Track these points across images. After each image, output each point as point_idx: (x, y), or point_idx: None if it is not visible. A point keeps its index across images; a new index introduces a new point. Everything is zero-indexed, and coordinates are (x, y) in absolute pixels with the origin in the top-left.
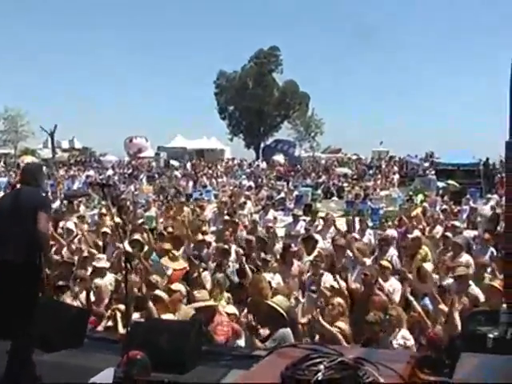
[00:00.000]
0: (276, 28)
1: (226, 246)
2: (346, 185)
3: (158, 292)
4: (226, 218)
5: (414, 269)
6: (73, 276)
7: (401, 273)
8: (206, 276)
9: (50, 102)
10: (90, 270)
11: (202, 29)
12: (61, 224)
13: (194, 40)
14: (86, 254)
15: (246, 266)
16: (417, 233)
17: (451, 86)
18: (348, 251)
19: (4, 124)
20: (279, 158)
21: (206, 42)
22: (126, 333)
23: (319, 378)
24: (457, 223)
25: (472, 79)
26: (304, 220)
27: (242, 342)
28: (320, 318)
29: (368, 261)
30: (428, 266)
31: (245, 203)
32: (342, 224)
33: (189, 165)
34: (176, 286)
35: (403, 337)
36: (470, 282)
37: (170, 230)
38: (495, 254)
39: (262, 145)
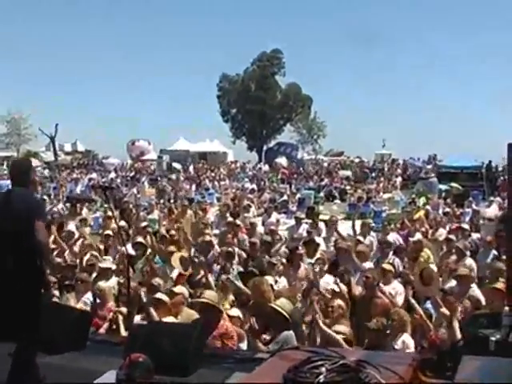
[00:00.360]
0: (278, 31)
1: (231, 249)
2: (348, 188)
3: (159, 295)
4: (229, 220)
5: (416, 272)
6: (75, 278)
7: (403, 276)
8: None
9: (52, 105)
10: (94, 273)
11: (205, 32)
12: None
13: (197, 43)
14: (88, 257)
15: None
16: (418, 236)
17: (453, 89)
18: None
19: (7, 127)
20: (282, 160)
21: (208, 45)
22: (128, 335)
23: (321, 381)
24: (465, 226)
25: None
26: (306, 223)
27: (244, 346)
28: (320, 322)
29: (369, 264)
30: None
31: (250, 206)
32: (345, 227)
33: (191, 168)
34: (178, 288)
35: (403, 342)
36: (472, 285)
37: (172, 232)
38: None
39: (265, 147)
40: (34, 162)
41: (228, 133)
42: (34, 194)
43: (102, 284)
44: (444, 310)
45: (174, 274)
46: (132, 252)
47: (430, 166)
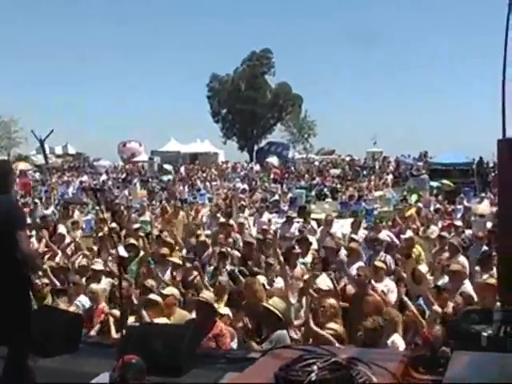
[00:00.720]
0: (268, 30)
1: (224, 250)
2: (339, 186)
3: (152, 296)
4: (222, 220)
5: (407, 269)
6: (67, 281)
7: (396, 273)
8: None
9: (43, 108)
10: (85, 275)
11: (195, 32)
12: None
13: (187, 43)
14: (80, 259)
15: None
16: (410, 233)
17: (445, 86)
18: (342, 252)
19: None
20: (273, 160)
21: (198, 45)
22: (121, 337)
23: (312, 379)
24: (458, 223)
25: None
26: (298, 222)
27: (234, 344)
28: (311, 322)
29: (360, 263)
30: (422, 268)
31: (244, 207)
32: (337, 226)
33: (182, 169)
34: (168, 290)
35: (393, 342)
36: (465, 281)
37: (165, 234)
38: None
39: (256, 147)
40: (25, 166)
41: (219, 133)
42: (14, 201)
43: (94, 286)
44: (436, 307)
45: (167, 276)
46: (124, 254)
47: (421, 163)
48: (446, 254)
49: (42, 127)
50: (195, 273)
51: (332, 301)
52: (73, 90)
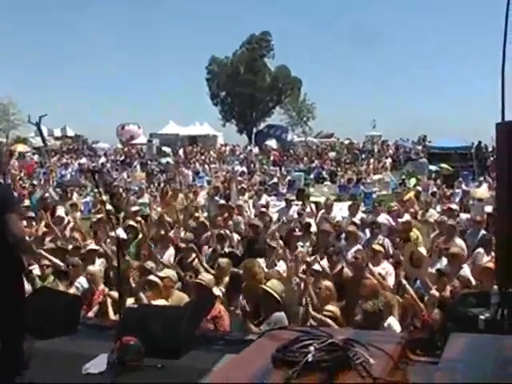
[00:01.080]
0: (267, 13)
1: (222, 232)
2: (338, 169)
3: (152, 277)
4: (222, 202)
5: (405, 253)
6: (66, 263)
7: (394, 256)
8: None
9: (41, 90)
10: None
11: (194, 15)
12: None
13: (186, 26)
14: (78, 240)
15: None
16: (407, 217)
17: (444, 70)
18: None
19: None
20: (271, 143)
21: (197, 27)
22: (119, 318)
23: (309, 360)
24: (453, 206)
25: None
26: (296, 205)
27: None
28: (310, 307)
29: (358, 246)
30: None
31: (244, 189)
32: (335, 209)
33: (181, 151)
34: (164, 272)
35: (389, 324)
36: (464, 265)
37: (166, 217)
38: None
39: (255, 130)
40: (24, 148)
41: (218, 116)
42: (4, 183)
43: (91, 268)
44: (434, 291)
45: (166, 258)
46: (124, 236)
47: (419, 147)
48: (443, 237)
49: (40, 110)
50: (193, 255)
51: (327, 283)
52: (71, 73)
